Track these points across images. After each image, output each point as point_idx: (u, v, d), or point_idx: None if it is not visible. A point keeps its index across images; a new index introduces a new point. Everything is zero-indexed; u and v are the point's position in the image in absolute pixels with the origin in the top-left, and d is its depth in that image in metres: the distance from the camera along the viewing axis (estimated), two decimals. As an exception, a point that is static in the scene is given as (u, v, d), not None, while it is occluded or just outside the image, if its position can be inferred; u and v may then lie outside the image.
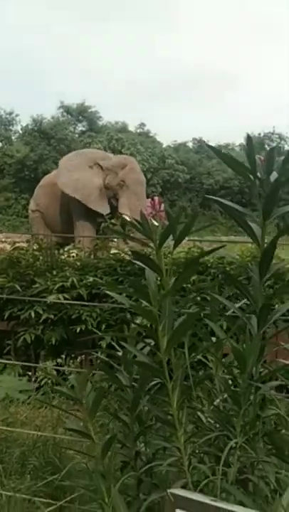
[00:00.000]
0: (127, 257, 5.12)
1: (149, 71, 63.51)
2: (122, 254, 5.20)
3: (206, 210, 40.90)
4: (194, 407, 1.87)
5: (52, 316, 4.82)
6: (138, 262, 2.00)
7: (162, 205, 1.93)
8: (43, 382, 4.54)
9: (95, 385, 2.41)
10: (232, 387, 1.80)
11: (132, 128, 45.87)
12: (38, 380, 4.60)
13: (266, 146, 47.54)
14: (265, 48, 65.09)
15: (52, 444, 3.16)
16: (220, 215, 36.99)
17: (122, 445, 2.10)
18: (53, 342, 4.82)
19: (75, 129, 44.60)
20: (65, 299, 4.78)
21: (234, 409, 1.72)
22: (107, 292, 2.56)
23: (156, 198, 1.94)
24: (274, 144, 47.33)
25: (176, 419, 1.73)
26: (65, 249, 6.07)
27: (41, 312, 4.84)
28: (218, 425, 1.77)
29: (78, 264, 5.15)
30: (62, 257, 5.39)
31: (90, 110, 44.70)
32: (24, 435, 3.37)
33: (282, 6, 63.00)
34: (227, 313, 2.01)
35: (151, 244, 1.95)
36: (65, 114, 44.46)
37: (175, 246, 1.92)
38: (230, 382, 1.83)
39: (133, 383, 2.10)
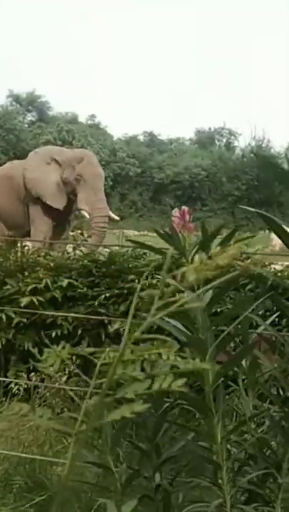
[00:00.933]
0: (102, 258, 4.93)
1: (100, 61, 62.89)
2: (97, 255, 5.00)
3: (156, 204, 40.95)
4: (234, 440, 1.72)
5: (24, 320, 4.59)
6: (169, 279, 1.81)
7: (191, 216, 1.76)
8: (14, 389, 4.32)
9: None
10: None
11: (82, 119, 45.42)
12: (9, 388, 4.37)
13: (216, 141, 47.92)
14: (220, 40, 65.35)
15: (39, 463, 2.96)
16: (170, 210, 37.02)
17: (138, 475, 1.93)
18: (25, 347, 4.59)
19: (24, 119, 43.79)
20: (39, 301, 4.56)
21: (281, 444, 1.57)
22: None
23: (184, 208, 1.77)
24: (224, 140, 47.78)
25: (221, 456, 1.57)
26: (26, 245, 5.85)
27: (13, 315, 4.60)
28: (260, 461, 1.62)
29: (51, 264, 4.91)
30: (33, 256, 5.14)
31: (39, 100, 43.96)
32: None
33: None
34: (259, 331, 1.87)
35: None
36: (14, 103, 43.59)
37: (209, 259, 1.75)
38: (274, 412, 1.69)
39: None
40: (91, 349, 0.93)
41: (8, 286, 4.72)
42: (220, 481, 1.61)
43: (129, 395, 0.82)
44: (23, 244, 5.64)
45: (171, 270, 1.95)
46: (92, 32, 62.30)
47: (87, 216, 10.24)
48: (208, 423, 1.62)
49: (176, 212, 1.75)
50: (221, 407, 1.71)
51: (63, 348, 0.97)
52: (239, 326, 1.96)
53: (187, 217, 1.75)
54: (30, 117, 44.26)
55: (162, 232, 1.76)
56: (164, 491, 1.93)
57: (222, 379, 1.77)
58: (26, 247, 5.53)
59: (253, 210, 1.83)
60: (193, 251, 1.75)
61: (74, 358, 4.42)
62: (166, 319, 1.84)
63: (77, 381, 4.22)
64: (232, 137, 47.05)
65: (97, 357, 0.94)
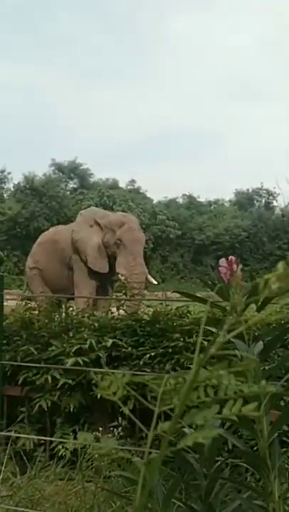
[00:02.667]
0: (146, 317, 4.91)
1: (138, 128, 64.61)
2: (141, 314, 4.98)
3: (197, 265, 40.94)
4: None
5: (70, 381, 4.56)
6: (215, 330, 1.78)
7: (239, 266, 1.74)
8: (60, 453, 4.25)
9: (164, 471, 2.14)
10: None
11: (122, 184, 46.27)
12: (55, 450, 4.30)
13: (255, 201, 48.12)
14: (251, 106, 66.57)
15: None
16: (212, 271, 36.92)
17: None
18: (71, 409, 4.54)
19: (66, 186, 44.88)
20: (84, 362, 4.53)
21: None
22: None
23: (232, 258, 1.75)
24: (263, 200, 47.94)
25: (279, 515, 1.50)
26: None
27: (58, 377, 4.57)
28: None
29: (95, 324, 4.91)
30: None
31: (81, 167, 45.12)
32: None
33: (270, 67, 64.86)
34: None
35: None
36: (56, 171, 44.83)
37: (258, 311, 1.71)
38: None
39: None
40: (150, 375, 0.91)
41: (53, 347, 4.72)
42: None
43: (199, 421, 0.80)
44: (68, 305, 5.66)
45: (219, 322, 1.92)
46: (123, 100, 64.26)
47: (123, 280, 10.29)
48: (264, 480, 1.55)
49: (223, 262, 1.73)
50: (277, 463, 1.64)
51: (124, 375, 0.95)
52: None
53: (235, 266, 1.72)
54: (72, 184, 45.35)
55: (210, 283, 1.74)
56: None
57: (276, 434, 1.71)
58: (71, 308, 5.55)
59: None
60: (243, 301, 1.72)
61: (120, 419, 4.36)
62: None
63: (124, 443, 4.14)
64: (270, 197, 47.17)
65: (156, 384, 0.91)
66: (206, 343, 4.62)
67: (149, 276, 10.72)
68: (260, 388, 0.86)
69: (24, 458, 4.19)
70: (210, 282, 1.73)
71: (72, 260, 10.73)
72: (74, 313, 5.28)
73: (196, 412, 0.81)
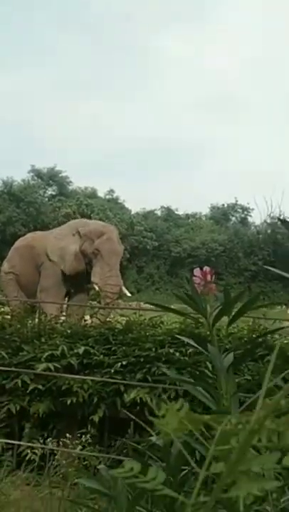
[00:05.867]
0: (119, 326, 4.94)
1: (118, 139, 64.61)
2: (114, 323, 5.01)
3: (173, 277, 41.03)
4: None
5: (40, 387, 4.56)
6: (190, 341, 1.81)
7: (213, 276, 1.78)
8: (28, 457, 4.24)
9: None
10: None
11: (101, 194, 46.23)
12: (23, 455, 4.29)
13: (230, 216, 48.49)
14: (228, 121, 67.15)
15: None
16: (187, 283, 36.98)
17: None
18: (40, 414, 4.54)
19: (45, 192, 44.71)
20: (55, 368, 4.54)
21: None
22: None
23: (206, 269, 1.78)
24: (238, 215, 48.35)
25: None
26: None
27: (28, 382, 4.57)
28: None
29: (68, 331, 4.92)
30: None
31: (60, 175, 45.02)
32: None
33: (245, 86, 65.51)
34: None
35: (201, 319, 1.78)
36: (35, 177, 44.65)
37: (230, 324, 1.75)
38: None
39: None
40: (208, 416, 0.84)
41: (24, 352, 4.72)
42: None
43: (255, 468, 0.74)
44: (41, 311, 5.67)
45: (194, 334, 1.95)
46: (102, 110, 64.42)
47: (97, 289, 10.34)
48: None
49: (197, 272, 1.77)
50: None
51: (181, 407, 0.87)
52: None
53: (209, 277, 1.76)
54: (50, 191, 45.19)
55: (183, 294, 1.78)
56: None
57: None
58: (44, 314, 5.55)
59: (279, 271, 1.83)
60: (215, 313, 1.75)
61: (89, 426, 4.37)
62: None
63: (92, 450, 4.15)
64: (245, 213, 47.62)
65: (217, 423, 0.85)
66: (177, 354, 4.66)
67: (124, 288, 10.75)
68: None
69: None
70: (184, 294, 1.76)
71: (44, 266, 10.73)
72: (47, 319, 5.29)
73: (253, 457, 0.75)
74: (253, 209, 46.85)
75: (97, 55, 63.88)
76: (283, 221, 2.02)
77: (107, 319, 5.49)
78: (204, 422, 0.84)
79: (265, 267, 31.83)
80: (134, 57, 64.19)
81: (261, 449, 0.82)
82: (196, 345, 1.98)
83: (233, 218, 48.66)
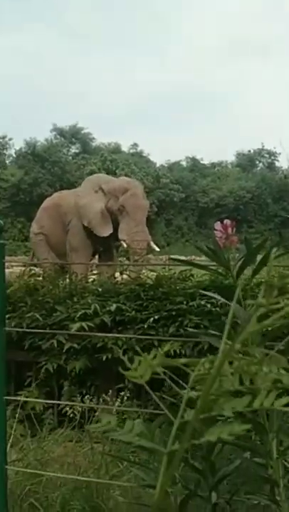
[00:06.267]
0: (150, 282, 4.95)
1: (138, 92, 63.74)
2: (144, 279, 5.03)
3: (202, 228, 40.90)
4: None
5: (75, 345, 4.63)
6: (215, 295, 1.81)
7: (234, 229, 1.76)
8: (69, 413, 4.34)
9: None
10: None
11: (125, 148, 45.93)
12: (63, 412, 4.39)
13: (257, 162, 47.79)
14: (249, 64, 65.55)
15: (95, 488, 2.96)
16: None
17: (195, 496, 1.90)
18: (77, 371, 4.62)
19: (68, 151, 44.59)
20: (89, 327, 4.59)
21: None
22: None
23: (227, 222, 1.76)
24: (265, 161, 47.59)
25: (277, 473, 1.55)
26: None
27: (64, 341, 4.64)
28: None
29: (99, 289, 4.96)
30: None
31: (82, 132, 44.75)
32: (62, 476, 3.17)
33: (268, 27, 63.55)
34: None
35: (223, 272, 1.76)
36: (58, 136, 44.48)
37: (253, 275, 1.74)
38: None
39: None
40: (184, 360, 0.85)
41: (58, 313, 4.78)
42: (278, 497, 1.58)
43: (227, 412, 0.74)
44: (72, 271, 5.70)
45: (221, 286, 1.95)
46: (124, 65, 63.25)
47: (125, 246, 10.32)
48: (263, 440, 1.59)
49: (218, 225, 1.75)
50: (275, 423, 1.68)
51: (155, 356, 0.88)
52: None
53: (230, 230, 1.74)
54: (74, 149, 45.04)
55: (205, 248, 1.77)
56: (221, 510, 1.90)
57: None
58: (75, 274, 5.59)
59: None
60: (238, 265, 1.74)
61: (127, 381, 4.44)
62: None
63: (130, 405, 4.23)
64: (272, 158, 46.84)
65: (190, 368, 0.85)
66: (208, 305, 4.66)
67: (152, 243, 10.73)
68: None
69: (34, 421, 4.28)
70: (204, 247, 1.75)
71: (71, 224, 10.74)
72: (78, 278, 5.33)
73: (224, 401, 0.76)
74: (280, 153, 45.99)
75: (105, 10, 62.45)
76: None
77: (139, 275, 5.49)
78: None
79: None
80: (145, 8, 62.60)
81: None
82: (222, 298, 1.98)
83: (260, 164, 47.98)
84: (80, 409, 4.20)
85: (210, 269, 1.87)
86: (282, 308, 0.80)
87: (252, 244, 1.72)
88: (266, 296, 0.81)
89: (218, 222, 1.73)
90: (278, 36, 64.27)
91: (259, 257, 1.78)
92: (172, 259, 9.05)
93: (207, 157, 49.39)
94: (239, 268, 1.70)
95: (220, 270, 1.82)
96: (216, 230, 1.73)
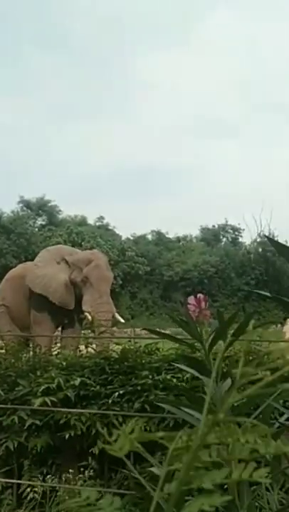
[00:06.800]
0: (115, 355, 4.87)
1: (105, 165, 64.99)
2: (110, 352, 4.94)
3: (166, 301, 41.00)
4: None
5: (37, 422, 4.47)
6: (186, 368, 1.77)
7: (207, 303, 1.75)
8: (29, 496, 4.15)
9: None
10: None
11: (91, 221, 46.39)
12: (24, 494, 4.19)
13: (221, 237, 48.67)
14: (216, 143, 67.90)
15: None
16: (181, 306, 36.93)
17: None
18: (38, 449, 4.44)
19: (34, 223, 44.79)
20: (52, 402, 4.46)
21: None
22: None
23: (200, 296, 1.75)
24: (229, 236, 48.54)
25: None
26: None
27: (25, 417, 4.48)
28: None
29: (63, 363, 4.85)
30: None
31: (49, 204, 45.16)
32: None
33: (236, 108, 66.34)
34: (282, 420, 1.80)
35: (196, 344, 1.74)
36: (24, 208, 44.76)
37: (226, 348, 1.71)
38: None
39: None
40: (161, 433, 0.84)
41: (20, 387, 4.64)
42: None
43: (206, 484, 0.74)
44: (36, 343, 5.59)
45: (190, 360, 1.91)
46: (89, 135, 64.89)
47: (90, 318, 10.17)
48: None
49: (191, 299, 1.74)
50: (246, 502, 1.62)
51: (132, 431, 0.88)
52: (260, 416, 1.90)
53: (203, 304, 1.73)
54: (40, 221, 45.28)
55: (178, 319, 1.75)
56: None
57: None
58: (38, 347, 5.48)
59: (270, 295, 1.81)
60: (210, 338, 1.72)
61: (90, 459, 4.29)
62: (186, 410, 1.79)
63: (94, 484, 4.06)
64: (236, 233, 47.84)
65: (167, 441, 0.84)
66: (174, 380, 4.59)
67: (117, 315, 10.64)
68: (277, 448, 0.80)
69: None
70: (179, 319, 1.73)
71: (35, 297, 10.58)
72: (42, 351, 5.22)
73: (204, 474, 0.75)
74: (243, 229, 47.13)
75: (79, 81, 64.49)
76: (271, 240, 2.01)
77: (107, 349, 5.40)
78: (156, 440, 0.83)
79: (256, 291, 31.85)
80: (118, 80, 64.88)
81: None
82: (192, 371, 1.94)
83: (224, 239, 48.88)
84: (41, 489, 4.02)
85: (182, 341, 1.84)
86: (261, 379, 0.79)
87: (224, 318, 1.70)
88: (246, 366, 0.80)
89: (192, 296, 1.72)
90: (246, 116, 66.93)
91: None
92: (145, 329, 8.97)
93: (172, 231, 50.06)
94: (211, 342, 1.68)
95: (192, 343, 1.79)
96: (190, 303, 1.72)
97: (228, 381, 1.81)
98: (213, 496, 0.72)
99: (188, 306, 1.75)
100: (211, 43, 65.75)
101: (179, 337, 1.99)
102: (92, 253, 11.80)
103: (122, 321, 11.15)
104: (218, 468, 0.79)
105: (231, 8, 65.99)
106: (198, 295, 1.75)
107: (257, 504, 1.93)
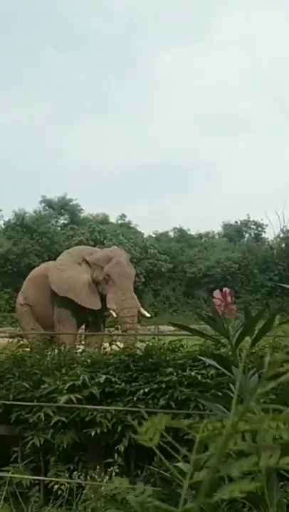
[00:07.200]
0: (139, 352, 4.87)
1: (127, 162, 64.99)
2: (134, 349, 4.95)
3: (189, 298, 40.88)
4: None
5: (63, 419, 4.50)
6: (212, 362, 1.76)
7: (233, 297, 1.73)
8: (55, 489, 4.17)
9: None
10: None
11: (113, 219, 46.35)
12: (50, 488, 4.21)
13: (244, 233, 48.38)
14: (237, 138, 67.49)
15: None
16: (204, 303, 36.88)
17: None
18: (64, 446, 4.47)
19: (57, 222, 44.92)
20: (77, 399, 4.48)
21: None
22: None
23: (226, 290, 1.74)
24: (252, 232, 48.23)
25: None
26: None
27: (51, 414, 4.51)
28: None
29: (88, 360, 4.87)
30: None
31: (71, 203, 45.25)
32: None
33: (255, 101, 65.90)
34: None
35: (223, 340, 1.73)
36: (46, 207, 44.92)
37: (253, 344, 1.70)
38: None
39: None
40: (188, 421, 0.84)
41: (45, 385, 4.67)
42: None
43: (234, 472, 0.75)
44: (60, 341, 5.62)
45: (216, 356, 1.90)
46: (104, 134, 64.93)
47: (115, 316, 10.17)
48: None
49: (217, 293, 1.73)
50: (276, 497, 1.61)
51: (161, 419, 0.88)
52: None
53: (229, 298, 1.72)
54: (62, 220, 45.39)
55: (204, 315, 1.73)
56: None
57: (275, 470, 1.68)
58: (63, 345, 5.50)
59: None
60: (237, 334, 1.71)
61: (116, 456, 4.30)
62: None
63: (120, 482, 4.06)
64: (259, 229, 47.45)
65: (195, 429, 0.85)
66: (199, 376, 4.59)
67: (142, 309, 10.63)
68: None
69: (19, 499, 4.10)
70: (205, 315, 1.72)
71: (57, 297, 10.61)
72: (66, 349, 5.24)
73: (232, 461, 0.75)
74: (266, 225, 46.66)
75: (96, 80, 64.57)
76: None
77: (131, 346, 5.40)
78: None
79: (279, 284, 31.60)
80: (134, 78, 64.79)
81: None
82: (219, 366, 1.93)
83: (247, 235, 48.51)
84: (67, 485, 4.04)
85: (207, 335, 1.83)
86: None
87: (251, 314, 1.69)
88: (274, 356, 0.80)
89: (218, 290, 1.71)
90: (267, 111, 66.46)
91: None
92: (171, 324, 8.97)
93: (194, 228, 49.84)
94: (238, 337, 1.66)
95: (215, 337, 1.78)
96: (215, 298, 1.70)
97: (255, 377, 1.80)
98: (243, 482, 0.72)
99: (214, 300, 1.73)
100: (225, 39, 65.19)
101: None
102: (111, 251, 11.80)
103: (148, 315, 11.14)
104: (244, 457, 0.79)
105: (242, 4, 65.42)
106: (224, 289, 1.74)
107: (285, 500, 1.91)
